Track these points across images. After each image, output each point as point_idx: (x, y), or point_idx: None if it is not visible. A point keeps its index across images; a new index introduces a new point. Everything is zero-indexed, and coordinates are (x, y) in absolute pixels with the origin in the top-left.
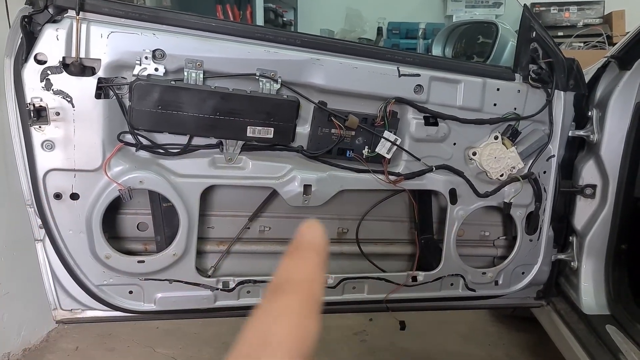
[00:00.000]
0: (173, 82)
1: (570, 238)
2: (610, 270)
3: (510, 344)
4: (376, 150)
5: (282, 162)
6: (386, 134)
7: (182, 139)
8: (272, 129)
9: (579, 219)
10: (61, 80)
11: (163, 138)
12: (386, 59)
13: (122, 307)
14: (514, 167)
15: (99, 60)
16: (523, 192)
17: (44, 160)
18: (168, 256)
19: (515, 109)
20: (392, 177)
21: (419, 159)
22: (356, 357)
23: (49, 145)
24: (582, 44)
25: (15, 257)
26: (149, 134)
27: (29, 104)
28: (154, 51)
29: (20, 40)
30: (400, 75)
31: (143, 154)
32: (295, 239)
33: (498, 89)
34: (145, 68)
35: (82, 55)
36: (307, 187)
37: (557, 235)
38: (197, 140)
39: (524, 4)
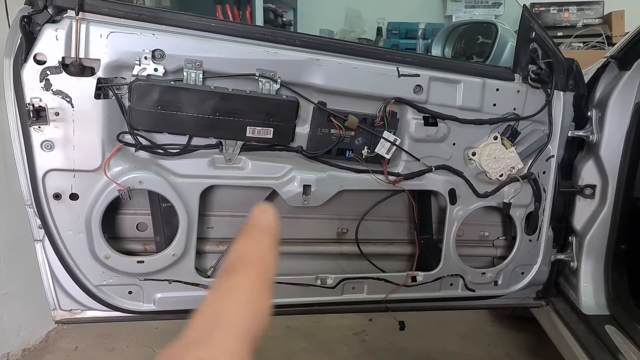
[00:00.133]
0: (172, 82)
1: (570, 238)
2: (609, 270)
3: (509, 344)
4: (375, 150)
5: (282, 163)
6: (385, 134)
7: (182, 139)
8: (272, 129)
9: (579, 219)
10: (60, 81)
11: (162, 138)
12: (386, 59)
13: (121, 307)
14: (513, 168)
15: (99, 60)
16: (522, 193)
17: (44, 161)
18: (167, 256)
19: (514, 109)
20: (391, 178)
21: (418, 159)
22: (356, 357)
23: (48, 145)
24: (581, 44)
25: (14, 257)
26: (148, 134)
27: (29, 104)
28: (153, 51)
29: (19, 40)
30: (399, 76)
31: (142, 154)
32: (247, 221)
33: (497, 89)
34: (145, 68)
35: (82, 55)
36: (306, 188)
37: (557, 235)
38: (197, 141)
39: (524, 4)
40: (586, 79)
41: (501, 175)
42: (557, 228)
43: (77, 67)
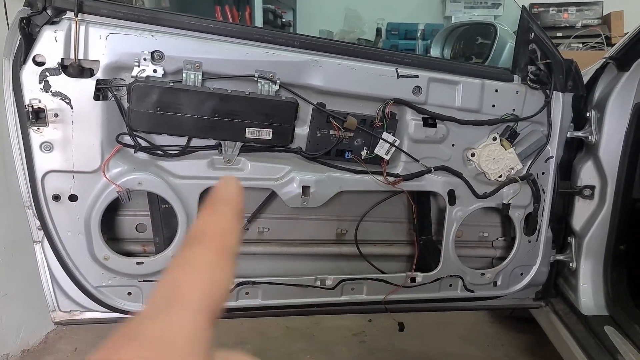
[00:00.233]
0: (172, 84)
1: (569, 239)
2: (608, 271)
3: (509, 345)
4: (375, 151)
5: (281, 164)
6: (385, 135)
7: (181, 141)
8: (271, 130)
9: (578, 219)
10: (60, 82)
11: (162, 139)
12: (385, 60)
13: (121, 308)
14: (512, 168)
15: (98, 61)
16: (522, 193)
17: (43, 162)
18: (167, 258)
19: (513, 110)
20: (390, 178)
21: (417, 160)
22: (355, 358)
23: (47, 146)
24: (580, 45)
25: (13, 258)
26: (147, 135)
27: (28, 105)
28: (152, 52)
29: (18, 41)
30: (398, 77)
31: (142, 155)
32: (211, 194)
33: (496, 90)
34: (144, 69)
35: (81, 56)
36: (305, 188)
37: (556, 236)
38: (196, 142)
39: (523, 5)
40: (585, 79)
41: (500, 176)
42: (556, 229)
43: (76, 69)
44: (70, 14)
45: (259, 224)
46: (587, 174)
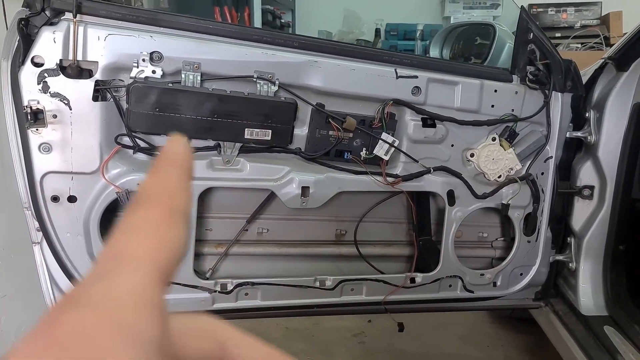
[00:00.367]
0: (170, 85)
1: (568, 239)
2: (608, 271)
3: (509, 345)
4: (374, 152)
5: (280, 164)
6: (384, 135)
7: None
8: (270, 131)
9: (577, 220)
10: (58, 83)
11: (161, 140)
12: (384, 61)
13: None
14: (511, 169)
15: (96, 62)
16: (521, 194)
17: (41, 163)
18: None
19: (512, 110)
20: (390, 179)
21: (416, 161)
22: (355, 359)
23: (46, 147)
24: (579, 45)
25: (12, 259)
26: (146, 136)
27: (26, 106)
28: (151, 53)
29: (17, 42)
30: (397, 77)
31: (141, 156)
32: (158, 154)
33: (496, 91)
34: (143, 70)
35: (80, 57)
36: (305, 189)
37: (555, 236)
38: (195, 143)
39: (521, 5)
40: (584, 80)
41: (499, 177)
42: (556, 229)
43: (75, 70)
44: (68, 15)
45: (258, 225)
46: (586, 174)
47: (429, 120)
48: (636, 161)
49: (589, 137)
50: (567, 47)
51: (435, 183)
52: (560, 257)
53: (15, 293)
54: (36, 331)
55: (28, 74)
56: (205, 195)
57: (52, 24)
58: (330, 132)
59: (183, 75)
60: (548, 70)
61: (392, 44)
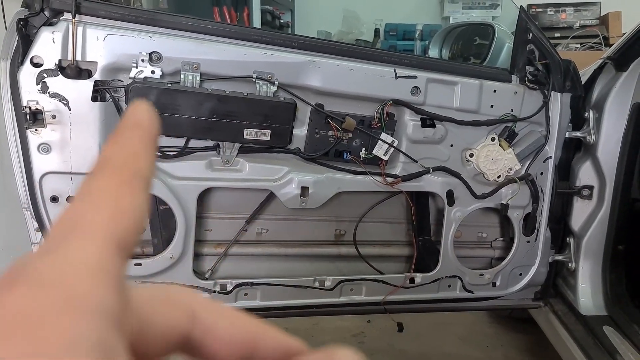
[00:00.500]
0: (170, 85)
1: (568, 239)
2: (607, 271)
3: (508, 345)
4: (373, 152)
5: (279, 164)
6: (383, 135)
7: (179, 142)
8: (269, 131)
9: (576, 220)
10: (57, 83)
11: (160, 141)
12: (383, 61)
13: None
14: (511, 169)
15: (96, 63)
16: (520, 194)
17: (41, 164)
18: (165, 259)
19: (512, 110)
20: (389, 179)
21: (416, 161)
22: None
23: (45, 148)
24: (578, 45)
25: (12, 260)
26: None
27: (25, 107)
28: (150, 54)
29: (16, 43)
30: (397, 77)
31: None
32: (120, 120)
33: (495, 91)
34: (142, 71)
35: (79, 58)
36: (304, 189)
37: (555, 236)
38: (194, 143)
39: (521, 6)
40: (583, 80)
41: (499, 177)
42: (555, 229)
43: (74, 70)
44: (67, 15)
45: (257, 225)
46: (585, 174)
47: (428, 121)
48: (635, 161)
49: (588, 137)
50: (566, 47)
51: (434, 183)
52: (559, 257)
53: None
54: None
55: (27, 75)
56: (204, 196)
57: (51, 24)
58: (330, 132)
59: (182, 76)
60: (547, 70)
61: (392, 44)
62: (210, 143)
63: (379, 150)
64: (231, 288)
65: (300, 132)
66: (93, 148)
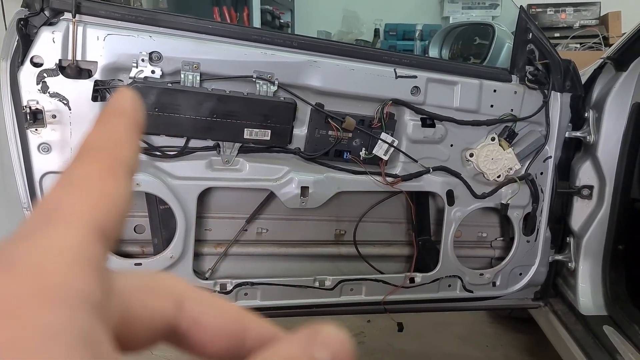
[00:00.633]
0: (170, 85)
1: (568, 239)
2: (607, 271)
3: (508, 345)
4: (373, 152)
5: (279, 164)
6: (383, 135)
7: (179, 141)
8: (269, 131)
9: (576, 220)
10: (57, 83)
11: (160, 140)
12: (383, 61)
13: None
14: (511, 169)
15: (96, 62)
16: (520, 194)
17: (41, 163)
18: (165, 258)
19: (512, 110)
20: (389, 179)
21: (416, 161)
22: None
23: (45, 148)
24: (578, 45)
25: None
26: (145, 136)
27: (25, 106)
28: (150, 53)
29: (16, 43)
30: (397, 77)
31: (140, 156)
32: (104, 107)
33: (495, 91)
34: (142, 70)
35: (79, 57)
36: (304, 189)
37: (555, 236)
38: (194, 143)
39: (520, 6)
40: (583, 80)
41: (499, 177)
42: (555, 229)
43: (74, 70)
44: (67, 15)
45: (257, 225)
46: (585, 174)
47: (428, 120)
48: (635, 161)
49: (588, 137)
50: (566, 47)
51: (434, 183)
52: (559, 257)
53: None
54: None
55: (27, 74)
56: (204, 195)
57: (51, 24)
58: (330, 132)
59: (182, 75)
60: (547, 70)
61: (391, 44)
62: (210, 143)
63: (379, 150)
64: (231, 288)
65: (300, 131)
66: None
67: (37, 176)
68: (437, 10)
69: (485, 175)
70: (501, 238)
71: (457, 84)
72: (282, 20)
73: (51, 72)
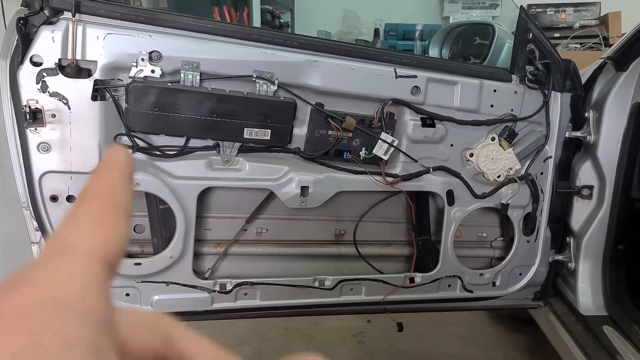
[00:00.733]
0: (169, 84)
1: (568, 239)
2: (607, 271)
3: (508, 345)
4: (373, 151)
5: (279, 164)
6: (383, 135)
7: (179, 141)
8: (269, 130)
9: (576, 219)
10: (57, 82)
11: (160, 140)
12: (383, 61)
13: None
14: (511, 169)
15: (95, 62)
16: (520, 193)
17: (40, 163)
18: (165, 258)
19: (512, 110)
20: (389, 179)
21: (416, 161)
22: (354, 359)
23: (44, 147)
24: (578, 45)
25: (11, 259)
26: (145, 135)
27: (25, 106)
28: (150, 53)
29: (15, 42)
30: (397, 77)
31: (139, 156)
32: (100, 161)
33: (495, 90)
34: (142, 70)
35: (78, 57)
36: (304, 189)
37: (555, 236)
38: (194, 142)
39: (521, 5)
40: (583, 80)
41: (499, 176)
42: (555, 229)
43: (74, 69)
44: (67, 14)
45: (257, 225)
46: (585, 174)
47: (428, 120)
48: (635, 161)
49: (588, 137)
50: (566, 47)
51: (434, 183)
52: (559, 257)
53: None
54: None
55: (27, 74)
56: (204, 195)
57: (50, 23)
58: (330, 132)
59: (182, 75)
60: (547, 70)
61: (391, 44)
62: (210, 142)
63: (379, 149)
64: (231, 287)
65: (300, 131)
66: (93, 147)
67: (36, 175)
68: (437, 10)
69: (485, 175)
70: (501, 238)
71: (457, 83)
72: (282, 20)
73: (51, 72)
